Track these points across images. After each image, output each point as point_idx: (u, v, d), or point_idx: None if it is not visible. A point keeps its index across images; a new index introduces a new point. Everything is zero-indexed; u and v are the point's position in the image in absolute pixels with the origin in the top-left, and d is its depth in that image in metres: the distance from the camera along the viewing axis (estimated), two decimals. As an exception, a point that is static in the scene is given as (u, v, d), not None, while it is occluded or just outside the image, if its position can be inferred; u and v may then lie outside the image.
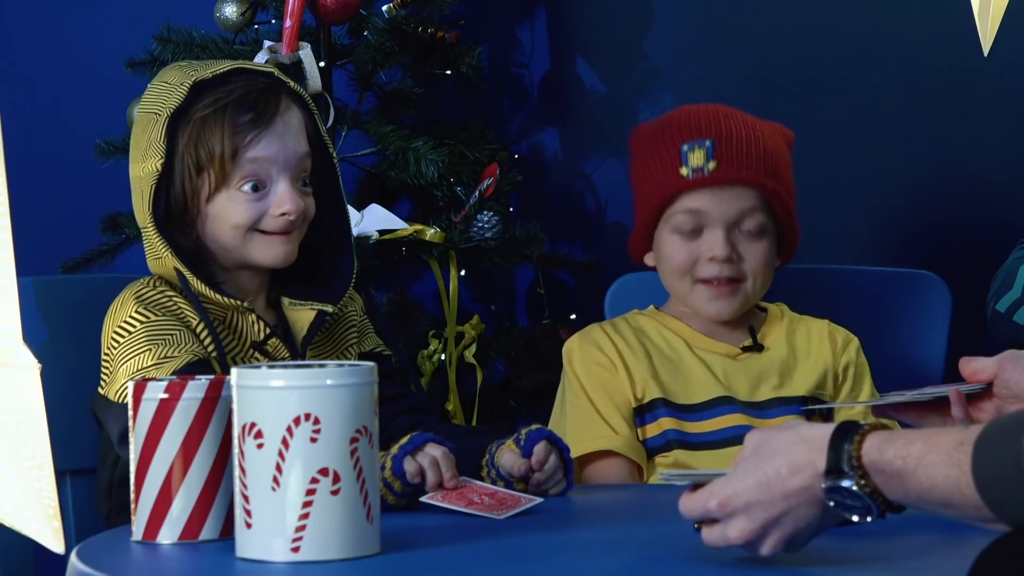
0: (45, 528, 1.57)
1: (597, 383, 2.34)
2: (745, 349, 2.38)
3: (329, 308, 2.22)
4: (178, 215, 2.17)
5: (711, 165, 2.35)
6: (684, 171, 2.35)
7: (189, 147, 2.14)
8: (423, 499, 1.91)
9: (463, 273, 3.25)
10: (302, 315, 2.22)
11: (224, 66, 2.18)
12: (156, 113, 2.16)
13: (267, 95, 2.17)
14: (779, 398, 2.33)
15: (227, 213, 2.16)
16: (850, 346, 2.41)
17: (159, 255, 2.16)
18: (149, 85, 2.22)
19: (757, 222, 2.36)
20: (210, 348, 2.13)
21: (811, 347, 2.39)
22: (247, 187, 2.15)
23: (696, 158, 2.35)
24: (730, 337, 2.40)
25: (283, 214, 2.16)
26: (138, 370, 2.08)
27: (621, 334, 2.38)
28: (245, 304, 2.17)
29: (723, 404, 2.32)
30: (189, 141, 2.14)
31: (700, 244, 2.35)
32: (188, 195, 2.15)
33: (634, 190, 2.44)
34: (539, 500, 1.93)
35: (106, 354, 2.14)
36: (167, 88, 2.17)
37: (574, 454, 2.25)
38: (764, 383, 2.34)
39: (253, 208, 2.16)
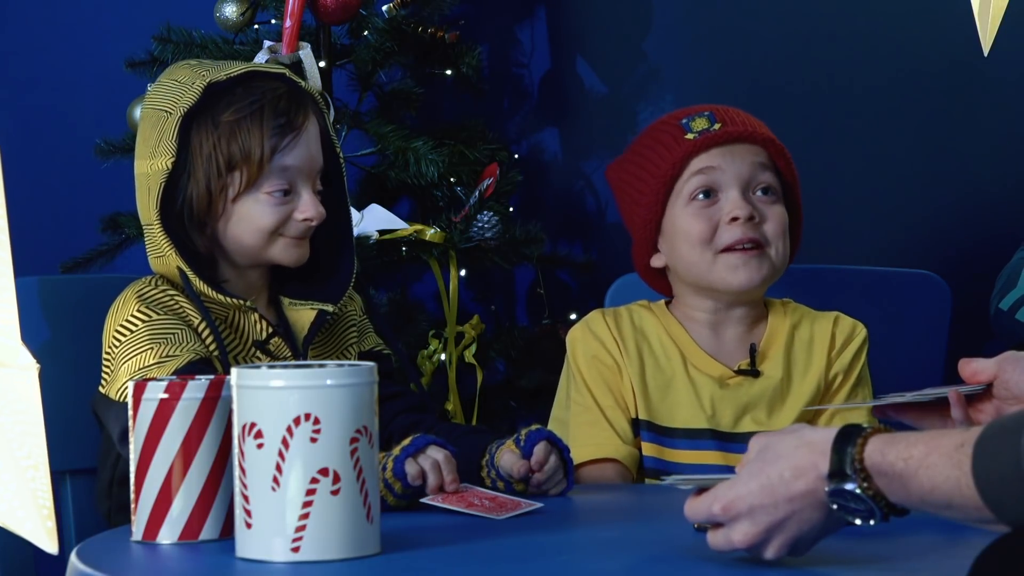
0: (39, 528, 1.56)
1: (602, 383, 2.30)
2: (741, 372, 2.32)
3: (330, 308, 2.23)
4: (200, 212, 2.17)
5: (716, 126, 2.31)
6: (690, 136, 2.31)
7: (220, 146, 2.15)
8: (423, 500, 1.90)
9: (463, 273, 3.25)
10: (303, 315, 2.23)
11: (237, 68, 2.19)
12: (167, 111, 2.16)
13: (296, 102, 2.19)
14: (761, 432, 2.28)
15: (253, 215, 2.17)
16: (846, 351, 2.35)
17: (162, 253, 2.16)
18: (157, 82, 2.22)
19: (770, 179, 2.30)
20: (212, 347, 2.13)
21: (811, 359, 2.34)
22: (277, 193, 2.17)
23: (699, 124, 2.31)
24: (729, 354, 2.33)
25: (306, 219, 2.19)
26: (139, 368, 2.08)
27: (622, 332, 2.33)
28: (248, 303, 2.18)
29: (704, 437, 2.27)
30: (220, 140, 2.15)
31: (718, 209, 2.29)
32: (214, 193, 2.16)
33: (627, 199, 2.38)
34: (539, 505, 1.93)
35: (107, 353, 2.14)
36: (178, 87, 2.17)
37: (576, 458, 2.25)
38: (749, 414, 2.29)
39: (279, 212, 2.18)
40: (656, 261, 2.37)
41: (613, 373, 2.31)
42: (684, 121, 2.33)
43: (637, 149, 2.39)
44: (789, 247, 2.34)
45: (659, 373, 2.31)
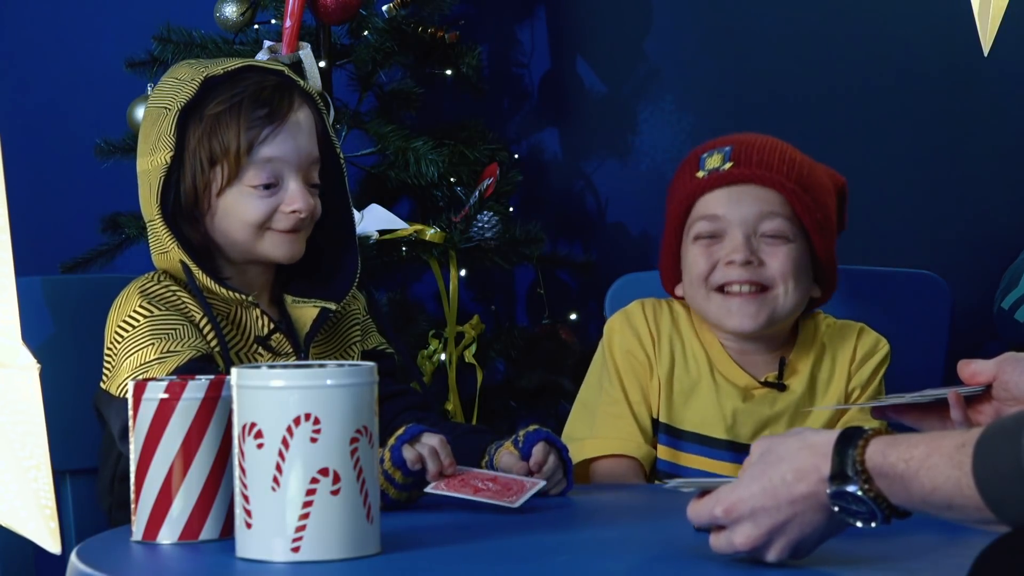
0: (42, 528, 1.56)
1: (633, 378, 2.30)
2: (767, 384, 2.30)
3: (332, 306, 2.23)
4: (188, 209, 2.17)
5: (727, 166, 2.29)
6: (700, 174, 2.30)
7: (203, 141, 2.15)
8: (427, 490, 1.90)
9: (463, 273, 3.25)
10: (305, 312, 2.23)
11: (235, 63, 2.19)
12: (166, 107, 2.17)
13: (281, 93, 2.18)
14: (764, 436, 2.26)
15: (239, 209, 2.17)
16: (866, 366, 2.34)
17: (165, 249, 2.16)
18: (160, 80, 2.23)
19: (778, 226, 2.28)
20: (213, 343, 2.13)
21: (833, 373, 2.33)
22: (261, 186, 2.16)
23: (713, 161, 2.30)
24: (757, 366, 2.32)
25: (294, 211, 2.17)
26: (141, 364, 2.08)
27: (659, 327, 2.32)
28: (250, 298, 2.18)
29: (720, 447, 2.27)
30: (203, 135, 2.15)
31: (720, 248, 2.28)
32: (199, 188, 2.16)
33: (665, 221, 2.40)
34: (542, 483, 1.93)
35: (109, 349, 2.14)
36: (177, 84, 2.18)
37: (597, 450, 2.25)
38: (769, 429, 2.27)
39: (265, 204, 2.17)
40: (679, 290, 2.38)
41: (644, 370, 2.32)
42: (704, 155, 2.32)
43: (675, 173, 2.39)
44: (805, 286, 2.31)
45: (686, 375, 2.31)
